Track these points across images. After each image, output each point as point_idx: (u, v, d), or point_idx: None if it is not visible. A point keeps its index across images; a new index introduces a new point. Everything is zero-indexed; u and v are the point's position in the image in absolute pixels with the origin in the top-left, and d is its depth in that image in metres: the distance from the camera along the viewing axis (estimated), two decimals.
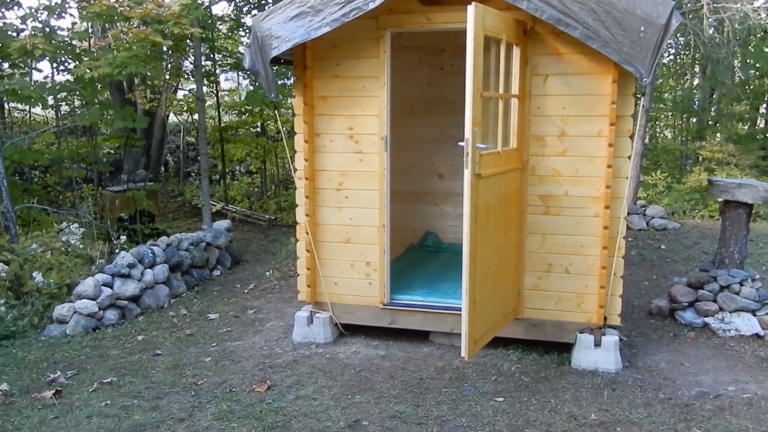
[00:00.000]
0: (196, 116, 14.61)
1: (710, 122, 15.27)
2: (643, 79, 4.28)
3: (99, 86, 7.63)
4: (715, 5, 7.48)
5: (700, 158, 11.70)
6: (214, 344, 5.43)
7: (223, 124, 12.90)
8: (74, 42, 7.03)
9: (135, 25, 6.54)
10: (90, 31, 10.04)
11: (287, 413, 4.14)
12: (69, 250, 6.86)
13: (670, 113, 15.47)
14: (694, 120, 15.83)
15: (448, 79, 6.87)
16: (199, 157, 8.94)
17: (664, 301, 5.90)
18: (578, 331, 4.86)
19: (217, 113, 13.02)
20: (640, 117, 9.53)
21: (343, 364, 4.90)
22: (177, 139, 16.54)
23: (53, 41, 6.77)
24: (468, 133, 3.93)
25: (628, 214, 9.78)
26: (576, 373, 4.72)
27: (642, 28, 4.20)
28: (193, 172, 15.08)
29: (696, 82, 16.70)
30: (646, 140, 12.75)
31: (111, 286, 6.19)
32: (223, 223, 8.65)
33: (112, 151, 12.67)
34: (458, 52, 6.38)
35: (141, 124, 7.73)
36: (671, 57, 16.41)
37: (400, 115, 6.76)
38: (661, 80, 16.10)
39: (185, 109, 13.06)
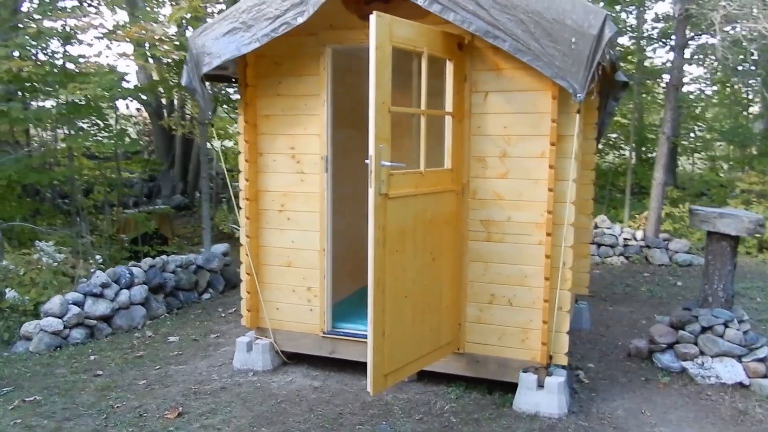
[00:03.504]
0: (229, 143, 14.91)
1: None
2: (577, 95, 3.91)
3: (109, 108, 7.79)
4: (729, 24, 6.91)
5: (738, 190, 10.84)
6: (158, 367, 5.31)
7: None
8: (69, 65, 7.28)
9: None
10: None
11: None
12: (52, 268, 6.96)
13: (719, 144, 14.49)
14: (754, 150, 14.76)
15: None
16: (200, 181, 8.97)
17: (644, 342, 5.33)
18: (522, 370, 4.43)
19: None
20: (660, 144, 8.92)
21: (268, 394, 4.65)
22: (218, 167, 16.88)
23: (43, 66, 6.98)
24: (372, 149, 3.68)
25: (649, 247, 9.16)
26: (514, 416, 4.28)
27: (573, 40, 3.85)
28: (224, 198, 15.33)
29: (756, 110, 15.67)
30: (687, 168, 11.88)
31: (81, 305, 6.21)
32: (220, 247, 8.61)
33: (135, 176, 12.99)
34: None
35: (131, 147, 7.85)
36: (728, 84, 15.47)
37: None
38: (716, 109, 15.24)
39: (217, 136, 13.28)
